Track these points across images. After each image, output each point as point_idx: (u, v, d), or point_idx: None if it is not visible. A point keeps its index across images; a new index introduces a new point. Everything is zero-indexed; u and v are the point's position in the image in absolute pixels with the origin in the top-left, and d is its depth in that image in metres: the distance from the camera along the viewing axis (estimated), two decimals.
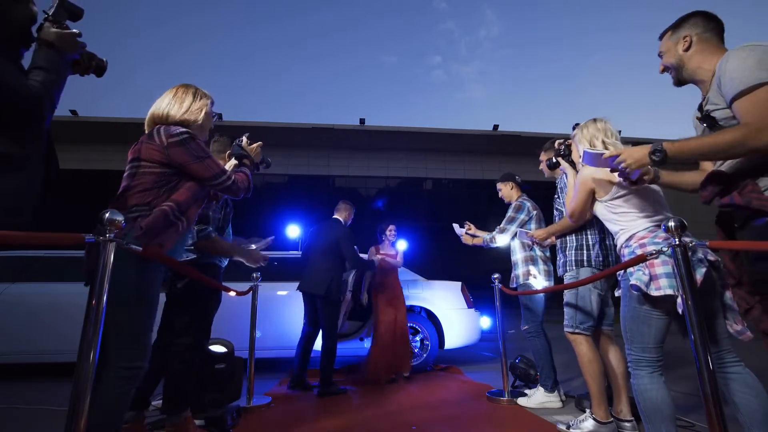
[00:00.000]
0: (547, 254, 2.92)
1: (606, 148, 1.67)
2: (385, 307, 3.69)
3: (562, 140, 2.08)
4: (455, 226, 3.28)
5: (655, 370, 1.47)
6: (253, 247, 2.41)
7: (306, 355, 3.35)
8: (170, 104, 1.57)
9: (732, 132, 1.15)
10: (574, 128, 1.89)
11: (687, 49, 1.34)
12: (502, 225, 2.99)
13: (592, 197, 1.75)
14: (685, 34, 1.35)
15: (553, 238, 2.48)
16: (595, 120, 1.79)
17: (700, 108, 1.33)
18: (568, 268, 2.30)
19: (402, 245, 4.05)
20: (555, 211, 2.51)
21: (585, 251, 2.25)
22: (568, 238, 2.33)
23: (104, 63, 1.37)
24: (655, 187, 1.64)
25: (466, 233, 3.21)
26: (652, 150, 1.26)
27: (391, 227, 4.00)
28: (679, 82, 1.41)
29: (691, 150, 1.25)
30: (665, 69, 1.44)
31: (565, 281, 2.33)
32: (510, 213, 2.97)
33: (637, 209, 1.60)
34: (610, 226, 1.71)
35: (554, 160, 2.21)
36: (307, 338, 3.36)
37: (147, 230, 1.36)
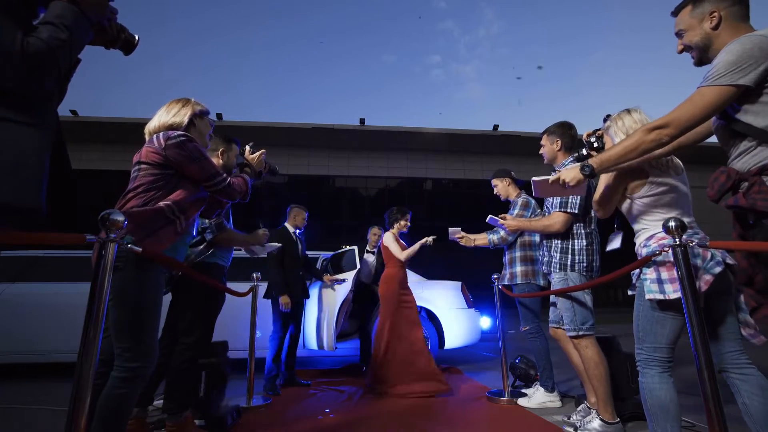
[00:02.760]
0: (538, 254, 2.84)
1: None
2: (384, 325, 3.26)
3: (592, 132, 1.98)
4: (450, 230, 3.03)
5: (665, 370, 1.45)
6: (262, 231, 2.58)
7: (289, 357, 3.55)
8: (161, 115, 1.66)
9: (640, 132, 1.13)
10: (605, 120, 1.78)
11: (716, 27, 1.18)
12: None
13: (622, 191, 1.64)
14: (711, 9, 1.19)
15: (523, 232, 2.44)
16: (629, 111, 1.66)
17: None
18: (553, 269, 2.30)
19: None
20: (543, 207, 2.49)
21: (570, 255, 2.26)
22: (554, 239, 2.33)
23: (135, 39, 1.21)
24: (684, 189, 1.57)
25: (465, 236, 3.09)
26: (581, 167, 1.38)
27: (401, 220, 3.53)
28: (702, 62, 1.25)
29: (612, 159, 1.27)
30: (685, 49, 1.27)
31: (553, 282, 2.33)
32: (518, 210, 2.88)
33: (664, 210, 1.53)
34: (634, 225, 1.66)
35: (585, 152, 2.02)
36: (290, 340, 3.51)
37: (137, 225, 1.36)
